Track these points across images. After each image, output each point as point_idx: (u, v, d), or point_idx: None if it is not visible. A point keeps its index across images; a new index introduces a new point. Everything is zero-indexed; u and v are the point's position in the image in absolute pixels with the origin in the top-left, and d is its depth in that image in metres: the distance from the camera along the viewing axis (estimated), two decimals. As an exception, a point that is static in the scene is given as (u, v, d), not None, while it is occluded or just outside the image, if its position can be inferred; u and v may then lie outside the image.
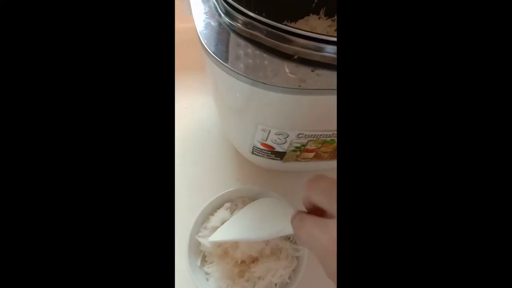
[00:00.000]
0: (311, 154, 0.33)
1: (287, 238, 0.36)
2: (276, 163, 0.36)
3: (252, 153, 0.35)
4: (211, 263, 0.34)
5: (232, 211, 0.36)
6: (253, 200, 0.37)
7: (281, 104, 0.24)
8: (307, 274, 0.33)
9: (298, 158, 0.34)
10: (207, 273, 0.34)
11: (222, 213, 0.36)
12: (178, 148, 0.46)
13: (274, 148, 0.32)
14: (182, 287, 0.36)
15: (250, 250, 0.33)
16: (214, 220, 0.35)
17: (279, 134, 0.29)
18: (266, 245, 0.34)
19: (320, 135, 0.28)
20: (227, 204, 0.36)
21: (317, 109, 0.25)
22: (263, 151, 0.34)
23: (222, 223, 0.35)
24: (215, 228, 0.34)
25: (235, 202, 0.37)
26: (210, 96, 0.49)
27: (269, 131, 0.29)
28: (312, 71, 0.23)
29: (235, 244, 0.34)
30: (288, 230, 0.25)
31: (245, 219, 0.33)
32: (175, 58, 0.46)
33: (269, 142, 0.31)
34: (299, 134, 0.28)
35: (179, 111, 0.49)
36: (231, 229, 0.33)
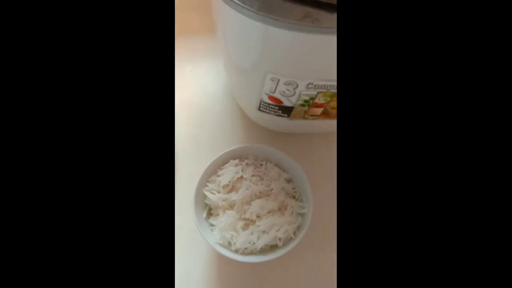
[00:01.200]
0: (319, 110, 0.33)
1: (293, 196, 0.36)
2: (282, 122, 0.36)
3: (259, 109, 0.35)
4: (217, 215, 0.35)
5: (241, 167, 0.36)
6: (262, 160, 0.37)
7: (292, 45, 0.24)
8: (310, 231, 0.34)
9: (306, 115, 0.34)
10: (212, 225, 0.35)
11: (229, 168, 0.36)
12: (182, 111, 0.46)
13: (282, 102, 0.32)
14: (190, 237, 0.38)
15: (262, 210, 0.34)
16: (221, 174, 0.36)
17: (288, 84, 0.29)
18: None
19: (330, 85, 0.28)
20: (235, 161, 0.37)
21: (329, 53, 0.25)
22: (270, 106, 0.33)
23: (229, 179, 0.35)
24: (220, 183, 0.35)
25: (243, 158, 0.37)
26: (216, 60, 0.49)
27: (278, 81, 0.28)
28: (328, 12, 0.22)
29: (246, 200, 0.34)
30: None
31: None
32: (181, 21, 0.46)
33: (277, 95, 0.31)
34: (309, 84, 0.28)
35: (184, 74, 0.48)
36: None
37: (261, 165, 0.37)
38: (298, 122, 0.36)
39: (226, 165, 0.36)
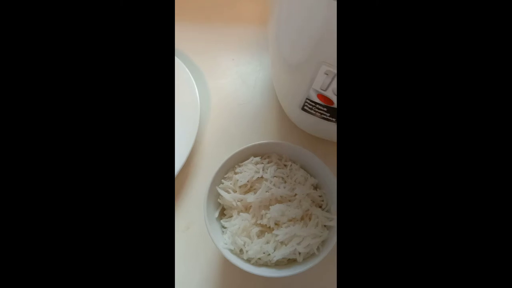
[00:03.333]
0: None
1: (319, 205, 0.31)
2: (327, 127, 0.31)
3: (303, 108, 0.30)
4: (230, 217, 0.31)
5: (262, 165, 0.32)
6: (286, 160, 0.33)
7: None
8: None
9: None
10: (224, 227, 0.31)
11: (248, 166, 0.32)
12: (215, 99, 0.43)
13: (332, 103, 0.27)
14: (200, 237, 0.35)
15: (282, 217, 0.29)
16: (239, 172, 0.32)
17: None
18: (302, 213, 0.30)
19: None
20: (256, 159, 0.32)
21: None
22: (317, 106, 0.29)
23: (247, 178, 0.31)
24: (238, 181, 0.31)
25: (265, 156, 0.33)
26: (262, 53, 0.46)
27: (334, 76, 0.24)
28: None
29: (264, 204, 0.30)
30: None
31: None
32: (232, 9, 0.45)
33: (328, 94, 0.26)
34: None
35: (225, 62, 0.46)
36: None
37: (285, 166, 0.33)
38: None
39: (246, 162, 0.32)
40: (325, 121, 0.31)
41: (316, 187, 0.32)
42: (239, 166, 0.32)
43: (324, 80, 0.25)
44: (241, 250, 0.29)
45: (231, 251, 0.29)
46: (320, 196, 0.31)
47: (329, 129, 0.33)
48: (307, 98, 0.29)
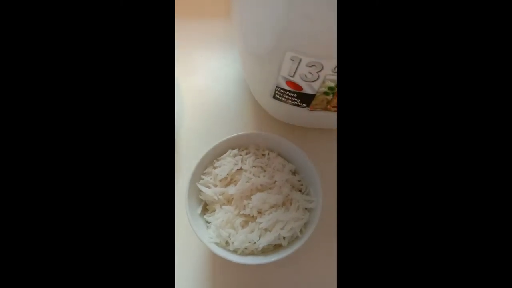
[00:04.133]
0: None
1: (299, 189, 0.33)
2: (300, 113, 0.32)
3: (274, 96, 0.30)
4: (213, 211, 0.31)
5: (240, 157, 0.31)
6: (264, 149, 0.33)
7: (322, 15, 0.19)
8: (319, 230, 0.30)
9: (329, 106, 0.29)
10: (207, 222, 0.31)
11: (227, 159, 0.32)
12: (190, 97, 0.41)
13: (301, 89, 0.27)
14: (183, 234, 0.34)
15: (264, 205, 0.30)
16: (218, 166, 0.31)
17: (311, 66, 0.24)
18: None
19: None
20: (233, 151, 0.32)
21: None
22: (287, 93, 0.28)
23: (227, 171, 0.31)
24: (217, 176, 0.31)
25: (242, 148, 0.33)
26: (231, 46, 0.45)
27: (300, 61, 0.24)
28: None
29: (246, 194, 0.30)
30: None
31: None
32: (197, 4, 0.41)
33: (296, 79, 0.26)
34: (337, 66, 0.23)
35: (195, 58, 0.44)
36: None
37: (263, 155, 0.33)
38: (318, 114, 0.32)
39: (224, 155, 0.32)
40: (297, 108, 0.32)
41: (294, 172, 0.33)
42: (218, 160, 0.32)
43: (291, 66, 0.26)
44: (227, 242, 0.30)
45: (217, 244, 0.30)
46: (299, 181, 0.32)
47: (302, 115, 0.33)
48: (277, 86, 0.29)
